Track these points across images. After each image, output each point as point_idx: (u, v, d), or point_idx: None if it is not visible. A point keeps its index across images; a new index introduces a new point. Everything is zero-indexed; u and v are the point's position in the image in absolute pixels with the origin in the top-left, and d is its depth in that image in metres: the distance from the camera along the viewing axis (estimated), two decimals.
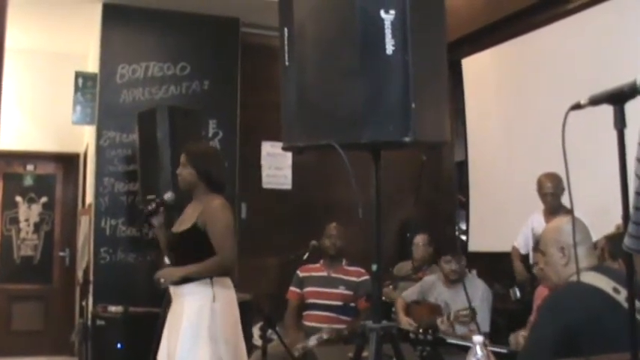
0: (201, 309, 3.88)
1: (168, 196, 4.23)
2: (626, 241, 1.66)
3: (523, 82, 6.57)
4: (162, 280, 3.92)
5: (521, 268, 5.71)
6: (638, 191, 1.61)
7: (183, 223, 4.09)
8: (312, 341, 4.82)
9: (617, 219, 3.83)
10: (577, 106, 1.80)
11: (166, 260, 4.11)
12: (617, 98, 1.70)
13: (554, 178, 5.36)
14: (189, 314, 3.89)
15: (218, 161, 4.36)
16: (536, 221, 5.54)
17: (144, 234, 6.19)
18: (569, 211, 5.00)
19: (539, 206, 5.52)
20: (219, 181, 4.16)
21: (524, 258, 5.73)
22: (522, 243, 5.75)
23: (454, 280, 4.90)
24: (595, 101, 1.75)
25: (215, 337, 3.88)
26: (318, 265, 5.49)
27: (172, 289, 4.02)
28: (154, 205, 4.23)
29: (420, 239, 6.16)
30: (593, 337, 2.26)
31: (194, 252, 3.95)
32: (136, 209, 4.35)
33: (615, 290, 2.39)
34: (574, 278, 2.46)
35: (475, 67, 7.29)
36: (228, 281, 4.06)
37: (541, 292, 4.03)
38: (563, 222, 2.73)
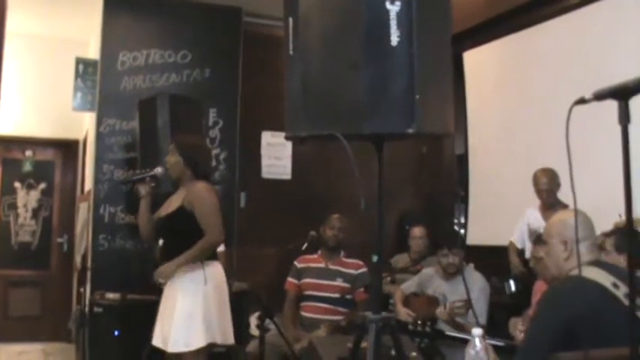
0: (195, 292, 4.02)
1: (158, 170, 4.38)
2: None
3: (524, 76, 6.56)
4: (161, 281, 4.07)
5: (517, 263, 5.72)
6: None
7: (169, 208, 4.23)
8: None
9: (614, 216, 3.86)
10: (581, 101, 1.80)
11: (160, 243, 4.23)
12: (622, 94, 1.70)
13: (549, 173, 5.36)
14: (183, 298, 4.01)
15: (204, 152, 4.65)
16: (532, 216, 5.55)
17: None
18: (566, 206, 5.01)
19: (537, 201, 5.52)
20: (205, 170, 4.36)
21: (521, 252, 5.74)
22: (519, 238, 5.76)
23: (452, 273, 4.91)
24: (599, 96, 1.76)
25: (209, 319, 4.01)
26: (316, 255, 5.49)
27: None
28: (143, 171, 4.35)
29: (416, 231, 6.17)
30: (591, 331, 2.26)
31: (183, 233, 4.08)
32: (136, 197, 4.40)
33: (614, 285, 2.39)
34: (574, 272, 2.46)
35: (476, 60, 7.28)
36: (217, 264, 4.21)
37: (540, 287, 4.04)
38: (568, 215, 2.72)
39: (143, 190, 4.35)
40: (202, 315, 3.97)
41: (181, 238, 4.07)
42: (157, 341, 4.11)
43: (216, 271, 4.16)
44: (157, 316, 4.18)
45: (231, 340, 4.19)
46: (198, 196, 4.11)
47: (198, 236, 4.05)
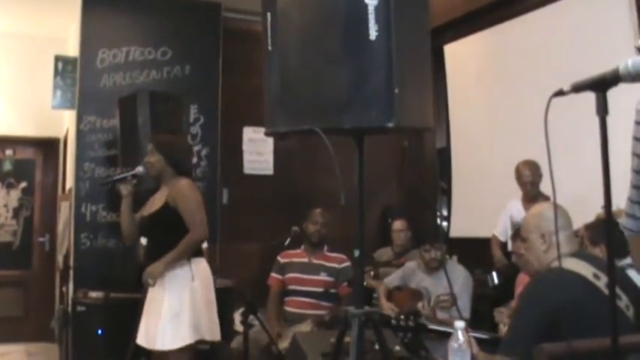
0: (182, 289, 4.02)
1: (139, 169, 4.33)
2: (623, 220, 1.67)
3: (505, 68, 6.58)
4: (150, 282, 4.02)
5: (500, 255, 5.74)
6: (636, 169, 1.61)
7: (152, 206, 4.22)
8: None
9: (596, 207, 3.88)
10: (560, 93, 1.80)
11: (142, 241, 4.20)
12: (600, 85, 1.70)
13: (532, 165, 5.38)
14: (170, 296, 4.01)
15: (184, 148, 4.64)
16: (515, 209, 5.57)
17: None
18: (548, 198, 5.03)
19: (519, 193, 5.54)
20: (186, 167, 4.36)
21: (504, 245, 5.76)
22: (501, 230, 5.77)
23: (434, 268, 4.92)
24: (577, 88, 1.76)
25: (197, 316, 4.01)
26: (299, 250, 5.49)
27: None
28: (124, 170, 4.30)
29: (398, 225, 6.18)
30: (573, 322, 2.27)
31: (168, 231, 4.07)
32: (117, 195, 4.38)
33: (595, 276, 2.40)
34: (555, 264, 2.47)
35: (457, 53, 7.29)
36: (204, 260, 4.23)
37: (522, 279, 4.06)
38: (544, 208, 2.75)
39: (125, 189, 4.32)
40: (190, 312, 3.98)
41: (166, 236, 4.06)
42: (141, 340, 4.10)
43: (202, 267, 4.18)
44: (141, 315, 4.17)
45: (217, 336, 4.20)
46: (182, 193, 4.11)
47: (183, 233, 4.04)
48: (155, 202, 4.22)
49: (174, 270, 4.02)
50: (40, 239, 8.25)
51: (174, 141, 4.48)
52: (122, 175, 4.42)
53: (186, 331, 3.94)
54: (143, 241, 4.23)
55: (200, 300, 4.05)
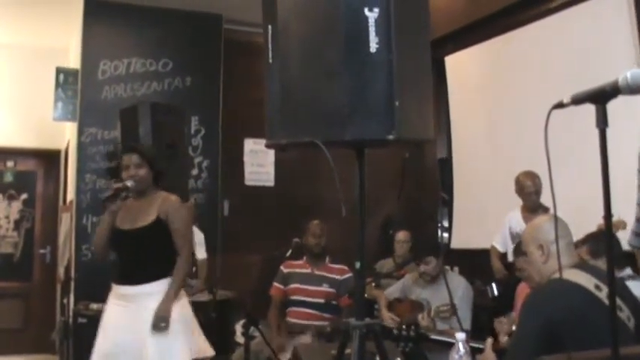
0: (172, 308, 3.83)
1: (130, 183, 3.94)
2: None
3: (506, 79, 6.59)
4: (162, 325, 3.76)
5: (499, 266, 5.73)
6: None
7: (138, 220, 3.96)
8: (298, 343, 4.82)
9: (597, 218, 3.87)
10: (560, 105, 1.81)
11: (114, 256, 4.02)
12: (600, 97, 1.70)
13: (533, 176, 5.37)
14: None
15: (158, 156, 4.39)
16: (514, 220, 5.56)
17: None
18: (548, 209, 5.02)
19: (520, 204, 5.53)
20: (164, 178, 4.15)
21: (503, 256, 5.75)
22: (500, 241, 5.76)
23: (430, 280, 4.93)
24: (577, 100, 1.76)
25: (187, 329, 3.87)
26: (301, 261, 5.49)
27: (129, 289, 3.88)
28: (119, 185, 4.01)
29: (401, 236, 6.18)
30: (574, 333, 2.27)
31: (157, 246, 3.90)
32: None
33: (597, 287, 2.40)
34: (556, 275, 2.47)
35: (458, 65, 7.31)
36: None
37: (522, 290, 4.05)
38: (541, 220, 2.76)
39: (115, 206, 3.96)
40: (181, 327, 3.82)
41: (155, 250, 3.90)
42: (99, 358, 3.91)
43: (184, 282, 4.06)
44: (102, 332, 4.01)
45: (211, 351, 4.04)
46: (177, 210, 3.95)
47: (165, 251, 3.89)
48: (139, 217, 3.97)
49: (159, 287, 3.84)
50: (41, 251, 8.25)
51: (154, 151, 4.31)
52: (115, 192, 3.95)
53: (182, 345, 3.79)
54: (115, 255, 4.02)
55: (189, 317, 3.92)
